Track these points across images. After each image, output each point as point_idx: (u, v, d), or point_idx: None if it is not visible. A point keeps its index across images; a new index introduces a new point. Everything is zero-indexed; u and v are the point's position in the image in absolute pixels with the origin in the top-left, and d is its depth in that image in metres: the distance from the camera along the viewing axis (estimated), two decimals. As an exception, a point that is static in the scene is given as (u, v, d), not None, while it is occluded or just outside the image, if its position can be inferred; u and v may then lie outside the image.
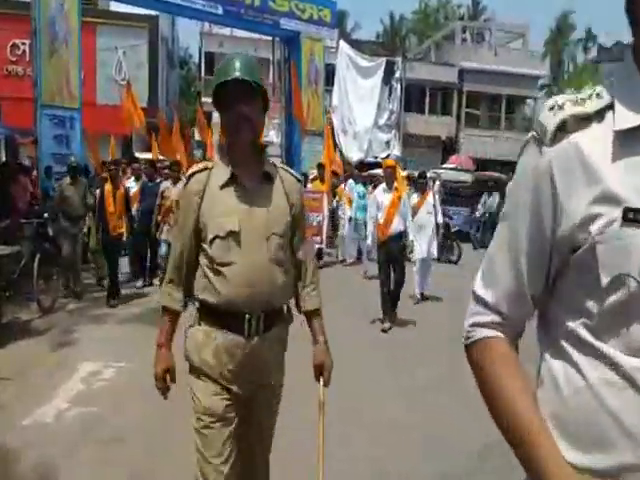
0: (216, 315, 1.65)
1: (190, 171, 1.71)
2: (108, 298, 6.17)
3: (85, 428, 3.24)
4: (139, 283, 7.10)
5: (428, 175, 12.95)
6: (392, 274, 5.62)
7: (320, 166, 9.48)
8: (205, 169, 1.68)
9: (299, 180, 1.83)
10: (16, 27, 13.71)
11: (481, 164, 20.20)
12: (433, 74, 23.45)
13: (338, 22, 20.92)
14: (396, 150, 21.55)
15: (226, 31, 20.06)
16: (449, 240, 9.88)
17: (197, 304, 1.71)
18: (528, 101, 26.48)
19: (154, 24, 17.70)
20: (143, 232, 7.01)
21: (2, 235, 6.07)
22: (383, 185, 5.83)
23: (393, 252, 5.54)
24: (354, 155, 19.01)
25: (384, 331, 5.50)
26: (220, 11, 10.79)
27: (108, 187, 6.18)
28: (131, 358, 4.42)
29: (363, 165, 16.98)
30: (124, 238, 6.51)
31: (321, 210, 8.81)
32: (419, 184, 7.00)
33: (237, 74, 1.58)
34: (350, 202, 9.51)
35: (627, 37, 0.73)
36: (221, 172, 1.65)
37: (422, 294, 6.94)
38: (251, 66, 1.64)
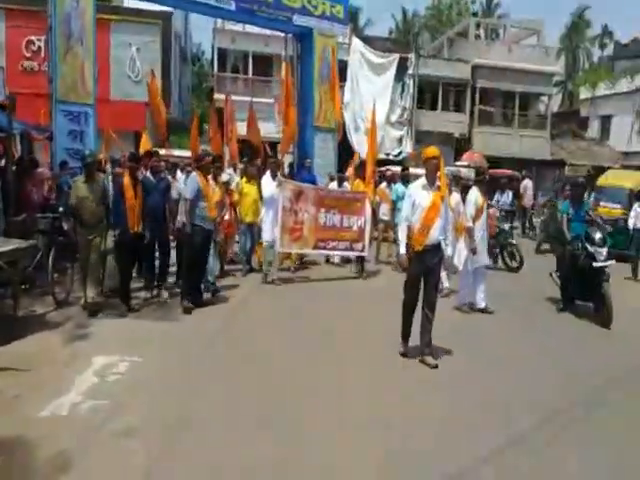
0: None
1: None
2: (127, 304, 5.64)
3: (99, 421, 3.26)
4: (143, 293, 6.20)
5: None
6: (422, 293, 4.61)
7: (361, 163, 8.66)
8: None
9: None
10: (31, 23, 13.86)
11: (494, 161, 19.99)
12: (446, 71, 23.23)
13: (351, 18, 20.81)
14: (408, 147, 21.41)
15: (238, 27, 20.06)
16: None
17: None
18: (542, 98, 26.13)
19: (167, 21, 17.75)
20: (151, 235, 5.89)
21: (18, 229, 6.15)
22: (422, 181, 4.57)
23: (429, 266, 4.48)
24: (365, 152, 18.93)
25: (435, 366, 4.42)
26: (233, 7, 10.79)
27: (127, 180, 5.62)
28: (145, 352, 4.47)
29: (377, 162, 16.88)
30: (147, 236, 5.77)
31: (362, 213, 7.84)
32: (481, 183, 6.35)
33: None
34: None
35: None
36: None
37: (484, 307, 6.29)
38: None
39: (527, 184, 14.76)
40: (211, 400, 3.69)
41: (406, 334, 4.71)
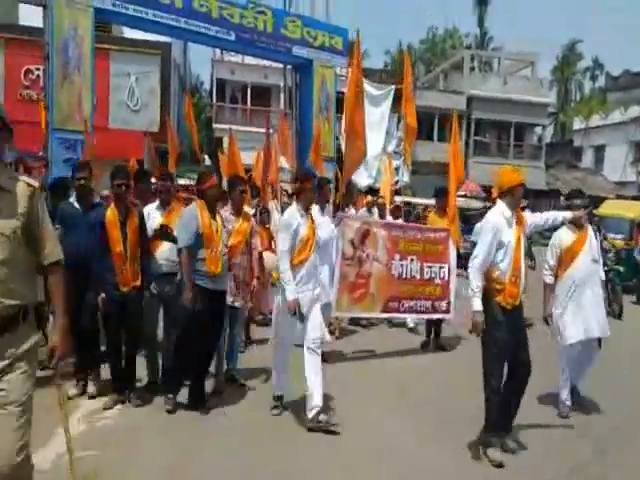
0: None
1: None
2: (117, 386, 4.05)
3: (86, 476, 2.92)
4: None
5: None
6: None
7: (442, 193, 6.19)
8: None
9: None
10: (30, 52, 13.93)
11: (489, 191, 20.08)
12: (442, 102, 23.61)
13: (348, 50, 21.19)
14: (405, 177, 21.47)
15: (237, 58, 20.37)
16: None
17: None
18: (536, 129, 26.54)
19: (167, 51, 18.00)
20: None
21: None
22: (504, 212, 3.37)
23: (521, 328, 3.34)
24: (363, 181, 19.00)
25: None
26: (232, 37, 10.83)
27: (111, 215, 3.80)
28: (135, 392, 4.16)
29: (372, 191, 16.91)
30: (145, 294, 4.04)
31: (446, 258, 5.73)
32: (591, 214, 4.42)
33: None
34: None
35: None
36: None
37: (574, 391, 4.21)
38: None
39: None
40: (204, 447, 3.41)
41: (505, 429, 3.38)
